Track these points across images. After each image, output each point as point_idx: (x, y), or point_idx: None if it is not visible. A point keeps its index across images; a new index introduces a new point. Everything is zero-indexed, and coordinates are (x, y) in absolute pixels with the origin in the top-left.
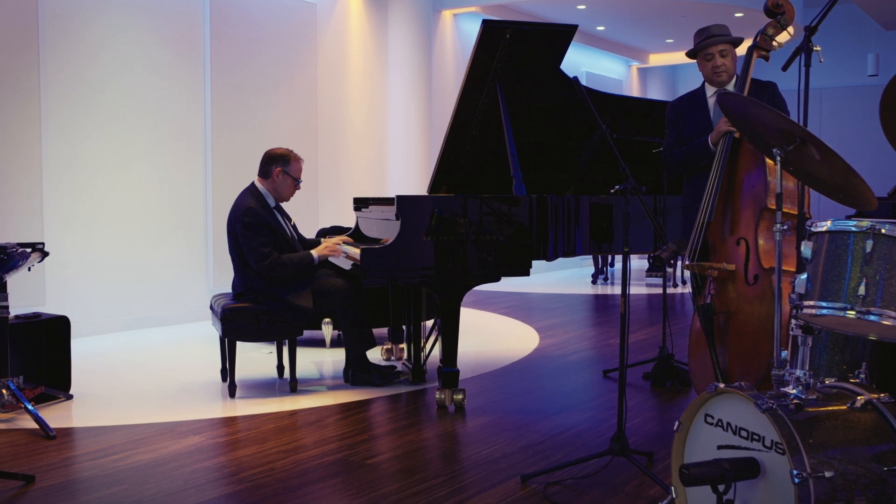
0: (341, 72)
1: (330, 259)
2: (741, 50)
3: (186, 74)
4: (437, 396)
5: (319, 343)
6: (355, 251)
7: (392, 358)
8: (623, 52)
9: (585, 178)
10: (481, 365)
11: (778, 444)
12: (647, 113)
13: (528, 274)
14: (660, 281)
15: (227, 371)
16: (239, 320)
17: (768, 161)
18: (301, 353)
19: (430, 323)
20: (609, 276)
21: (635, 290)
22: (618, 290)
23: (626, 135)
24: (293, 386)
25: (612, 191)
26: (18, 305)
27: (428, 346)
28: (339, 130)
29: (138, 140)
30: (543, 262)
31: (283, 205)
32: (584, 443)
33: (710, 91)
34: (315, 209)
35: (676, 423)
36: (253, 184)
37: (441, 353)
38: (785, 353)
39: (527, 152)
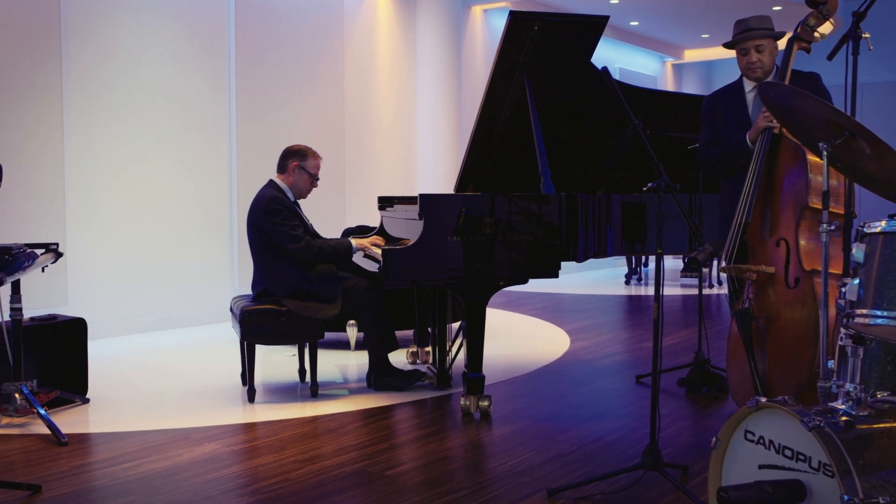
0: (369, 68)
1: (353, 259)
2: (782, 43)
3: (211, 71)
4: (462, 403)
5: (344, 345)
6: (377, 251)
7: (417, 361)
8: (657, 47)
9: (616, 176)
10: (509, 369)
11: (826, 465)
12: (682, 108)
13: (556, 276)
14: (695, 282)
15: (247, 375)
16: (258, 322)
17: (810, 158)
18: (325, 355)
19: (456, 325)
20: (643, 276)
21: (669, 291)
22: (652, 291)
23: (660, 131)
24: (314, 391)
25: (645, 188)
26: (40, 307)
27: (454, 349)
28: (367, 128)
29: (162, 138)
30: (574, 262)
31: (305, 209)
32: (616, 454)
33: (749, 86)
34: (342, 208)
35: (714, 439)
36: (272, 180)
37: (466, 358)
38: (831, 363)
39: (556, 149)
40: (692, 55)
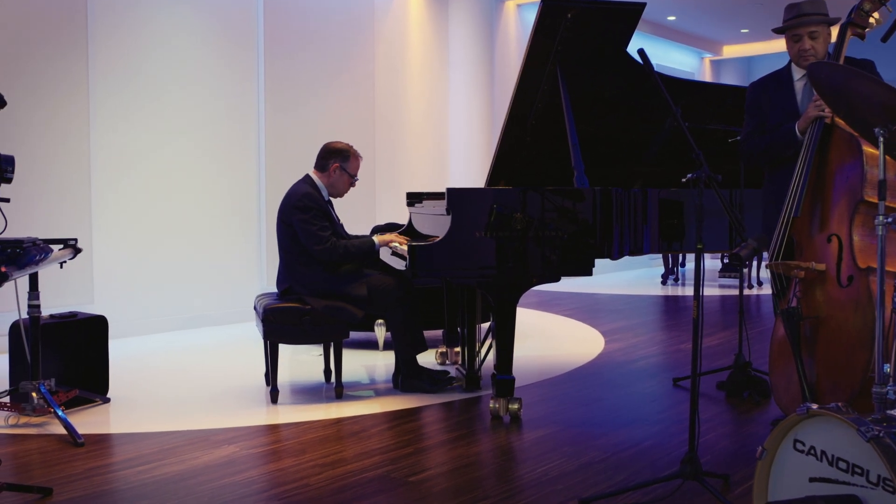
0: (400, 63)
1: (381, 257)
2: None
3: (239, 63)
4: (492, 406)
5: (373, 345)
6: (404, 248)
7: (447, 362)
8: (695, 43)
9: (654, 171)
10: (541, 371)
11: (887, 480)
12: (722, 99)
13: (590, 274)
14: (734, 281)
15: (270, 375)
16: (281, 321)
17: (866, 149)
18: (352, 355)
19: (486, 325)
20: (680, 276)
21: (708, 291)
22: (689, 291)
23: (699, 123)
24: (339, 392)
25: (685, 179)
26: (65, 304)
27: (483, 350)
28: (398, 124)
29: (190, 133)
30: (610, 261)
31: (337, 203)
32: (651, 462)
33: (798, 73)
34: (372, 205)
35: (760, 448)
36: (308, 175)
37: (495, 360)
38: (887, 367)
39: (590, 143)
40: (731, 51)
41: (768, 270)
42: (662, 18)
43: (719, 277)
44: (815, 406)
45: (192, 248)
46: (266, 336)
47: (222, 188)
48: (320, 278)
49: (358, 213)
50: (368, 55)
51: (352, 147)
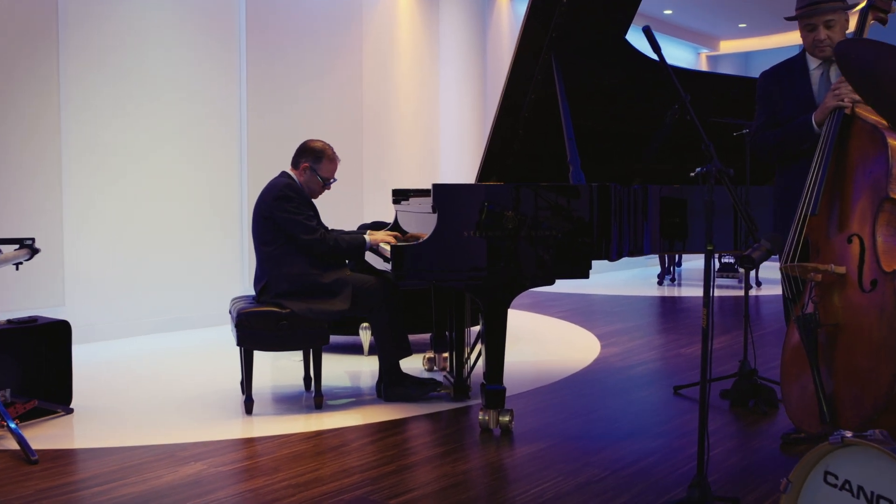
0: (389, 59)
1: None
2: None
3: (220, 60)
4: (481, 418)
5: (357, 350)
6: (386, 248)
7: (435, 368)
8: (691, 38)
9: (654, 167)
10: (534, 378)
11: None
12: (724, 91)
13: (587, 276)
14: (733, 282)
15: (244, 384)
16: (256, 326)
17: (891, 142)
18: (335, 360)
19: (476, 329)
20: (676, 276)
21: (701, 292)
22: (686, 292)
23: (701, 116)
24: (318, 402)
25: (693, 174)
26: (34, 307)
27: (473, 356)
28: (387, 121)
29: (167, 131)
30: (605, 261)
31: (319, 202)
32: (654, 481)
33: (813, 62)
34: (359, 203)
35: (784, 480)
36: (285, 172)
37: (485, 368)
38: None
39: (587, 137)
40: (728, 46)
41: (781, 272)
42: (659, 12)
43: (717, 277)
44: (849, 434)
45: (169, 247)
46: (240, 342)
47: (202, 186)
48: (302, 272)
49: (345, 211)
50: (356, 49)
51: (329, 149)
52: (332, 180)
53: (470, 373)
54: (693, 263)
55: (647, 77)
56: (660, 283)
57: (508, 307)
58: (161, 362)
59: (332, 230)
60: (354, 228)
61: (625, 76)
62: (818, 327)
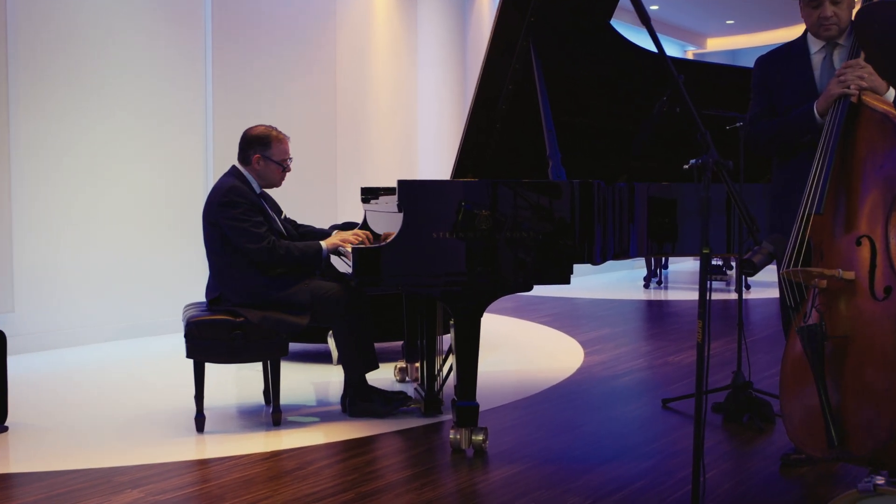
0: (365, 49)
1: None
2: None
3: (184, 52)
4: (452, 437)
5: (325, 358)
6: (349, 248)
7: (407, 379)
8: (678, 34)
9: (639, 165)
10: (512, 389)
11: None
12: (714, 81)
13: (568, 281)
14: (721, 285)
15: (196, 399)
16: (207, 336)
17: None
18: (301, 370)
19: (449, 336)
20: (663, 279)
21: (690, 294)
22: (673, 295)
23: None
24: (276, 418)
25: (687, 166)
26: None
27: (445, 367)
28: (362, 115)
29: (125, 128)
30: (589, 265)
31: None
32: None
33: (816, 45)
34: (333, 202)
35: None
36: (234, 166)
37: (456, 383)
38: None
39: (567, 133)
40: (715, 44)
41: (781, 278)
42: (645, 8)
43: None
44: (880, 480)
45: (128, 249)
46: (190, 354)
47: (163, 187)
48: (256, 283)
49: (319, 211)
50: (330, 40)
51: (273, 129)
52: (288, 159)
53: (442, 386)
54: (680, 266)
55: (633, 66)
56: (646, 286)
57: (481, 316)
58: (113, 373)
59: (302, 226)
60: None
61: (610, 65)
62: (825, 340)
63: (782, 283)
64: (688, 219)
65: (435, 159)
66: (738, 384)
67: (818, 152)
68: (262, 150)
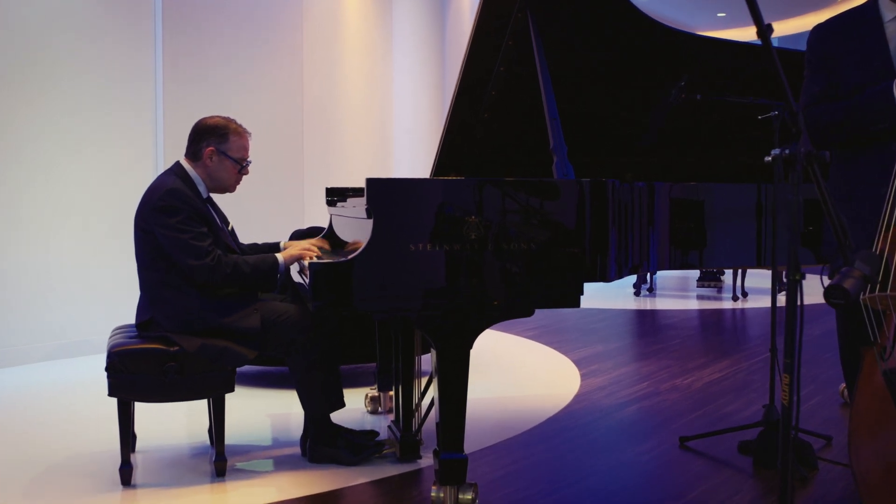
0: (334, 37)
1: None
2: None
3: (130, 35)
4: (434, 495)
5: (283, 382)
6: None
7: (380, 410)
8: None
9: (646, 161)
10: (499, 425)
11: None
12: (742, 63)
13: (577, 304)
14: (712, 292)
15: (122, 447)
16: (133, 370)
17: None
18: (253, 398)
19: (428, 356)
20: (653, 285)
21: (683, 304)
22: (663, 303)
23: (715, 94)
24: (220, 468)
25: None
26: None
27: (426, 399)
28: (332, 110)
29: (68, 119)
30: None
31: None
32: None
33: (892, 12)
34: (300, 205)
35: None
36: (178, 163)
37: (439, 431)
38: None
39: (570, 124)
40: None
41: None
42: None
43: (697, 287)
44: None
45: (70, 261)
46: (113, 392)
47: (104, 186)
48: (195, 307)
49: (283, 215)
50: (295, 26)
51: (232, 122)
52: (247, 159)
53: (421, 424)
54: (668, 270)
55: (648, 45)
56: (636, 293)
57: (470, 348)
58: (34, 403)
59: (244, 245)
60: (286, 236)
61: (619, 42)
62: None
63: (844, 310)
64: (718, 224)
65: (411, 157)
66: (771, 421)
67: None
68: (218, 142)
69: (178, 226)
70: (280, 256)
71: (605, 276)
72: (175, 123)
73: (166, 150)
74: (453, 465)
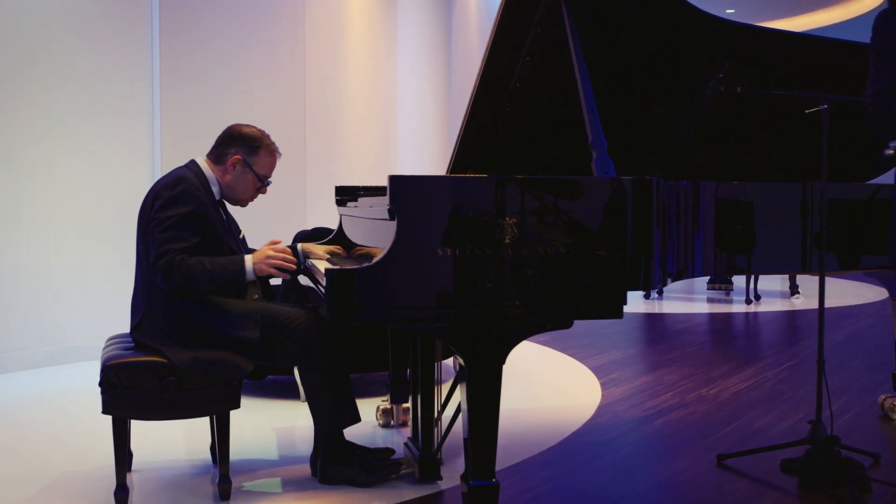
0: (338, 34)
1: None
2: None
3: (125, 34)
4: None
5: (291, 391)
6: (322, 268)
7: (392, 423)
8: None
9: (681, 159)
10: (517, 440)
11: None
12: (793, 55)
13: (620, 315)
14: (721, 294)
15: (118, 469)
16: (129, 385)
17: None
18: (259, 409)
19: (449, 362)
20: (662, 288)
21: (694, 307)
22: (673, 307)
23: (760, 87)
24: (223, 490)
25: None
26: None
27: (447, 411)
28: (335, 108)
29: (63, 120)
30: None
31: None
32: None
33: None
34: (302, 206)
35: None
36: (194, 161)
37: (467, 454)
38: None
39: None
40: None
41: None
42: None
43: (707, 290)
44: None
45: (68, 259)
46: (107, 409)
47: (101, 188)
48: (190, 308)
49: (286, 216)
50: (298, 21)
51: (267, 137)
52: (269, 181)
53: (442, 440)
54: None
55: (690, 33)
56: (646, 295)
57: (503, 363)
58: (26, 414)
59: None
60: (290, 237)
61: (660, 30)
62: None
63: None
64: (768, 227)
65: (416, 156)
66: (818, 439)
67: None
68: (247, 153)
69: (166, 220)
70: (249, 261)
71: (650, 283)
72: (173, 124)
73: (164, 150)
74: (484, 492)
